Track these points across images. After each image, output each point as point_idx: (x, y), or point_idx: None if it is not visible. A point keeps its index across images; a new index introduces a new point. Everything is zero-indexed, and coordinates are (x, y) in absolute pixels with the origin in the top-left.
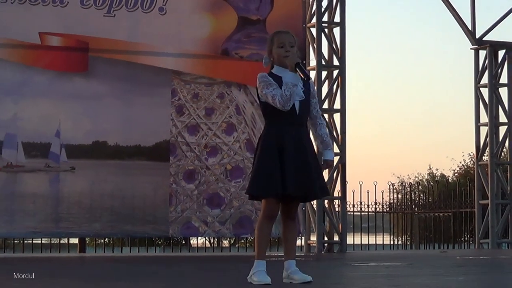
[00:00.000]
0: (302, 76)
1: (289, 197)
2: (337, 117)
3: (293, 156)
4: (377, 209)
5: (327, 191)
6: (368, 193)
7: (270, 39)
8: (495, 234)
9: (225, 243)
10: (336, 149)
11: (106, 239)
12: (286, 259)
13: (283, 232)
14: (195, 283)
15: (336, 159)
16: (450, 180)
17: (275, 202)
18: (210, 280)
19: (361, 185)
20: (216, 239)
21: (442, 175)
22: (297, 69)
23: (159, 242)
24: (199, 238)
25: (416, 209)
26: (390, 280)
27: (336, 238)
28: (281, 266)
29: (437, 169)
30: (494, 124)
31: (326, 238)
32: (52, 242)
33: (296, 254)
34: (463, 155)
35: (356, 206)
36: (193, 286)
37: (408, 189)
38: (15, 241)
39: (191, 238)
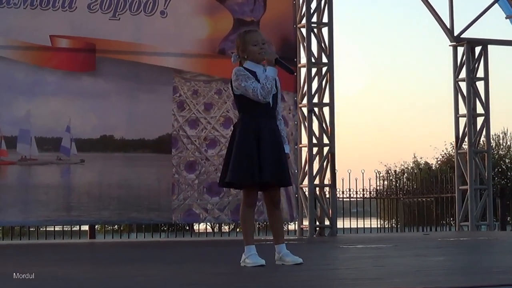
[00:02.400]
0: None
1: (267, 185)
2: (326, 110)
3: (269, 147)
4: (365, 195)
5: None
6: (356, 180)
7: (241, 38)
8: (474, 217)
9: (226, 228)
10: (325, 140)
11: (116, 226)
12: (276, 243)
13: (269, 219)
14: (196, 265)
15: (325, 149)
16: (433, 168)
17: (254, 190)
18: (210, 263)
19: (349, 173)
20: (217, 225)
21: (426, 163)
22: (277, 64)
23: (165, 228)
24: (201, 224)
25: (400, 194)
26: (376, 261)
27: (327, 222)
28: (271, 249)
29: (421, 158)
30: (472, 115)
31: (318, 223)
32: (64, 229)
33: (290, 237)
34: (445, 144)
35: (345, 192)
36: (194, 268)
37: (393, 176)
38: (31, 229)
39: (194, 224)
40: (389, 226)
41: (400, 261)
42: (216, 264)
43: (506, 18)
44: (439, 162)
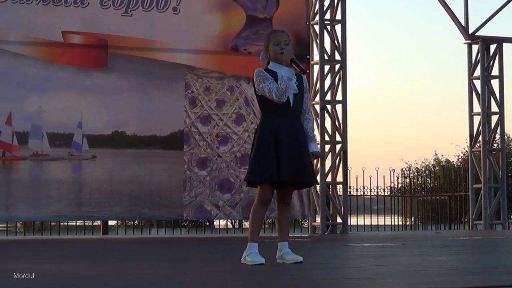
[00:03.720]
0: (298, 70)
1: (283, 184)
2: (339, 108)
3: (287, 146)
4: (379, 193)
5: (316, 180)
6: (370, 178)
7: (267, 37)
8: (487, 216)
9: (246, 224)
10: (338, 138)
11: (136, 222)
12: (279, 240)
13: (278, 216)
14: (196, 263)
15: (338, 146)
16: (455, 165)
17: (270, 189)
18: (211, 260)
19: (363, 171)
20: (238, 221)
21: (447, 161)
22: (293, 64)
23: (185, 224)
24: (222, 220)
25: (414, 192)
26: (378, 260)
27: (339, 220)
28: (273, 248)
29: (442, 155)
30: (486, 113)
31: (330, 221)
32: (78, 224)
33: (302, 235)
34: (466, 142)
35: (359, 190)
36: (193, 266)
37: (407, 174)
38: (52, 224)
39: (215, 220)
40: (403, 223)
41: (402, 260)
42: (217, 262)
43: None
44: (460, 159)
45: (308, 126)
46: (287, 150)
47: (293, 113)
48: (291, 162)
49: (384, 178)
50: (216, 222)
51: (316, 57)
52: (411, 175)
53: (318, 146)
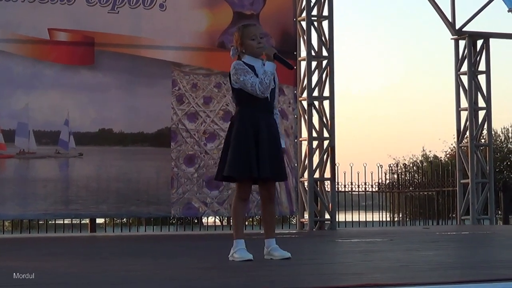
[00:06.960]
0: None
1: (263, 179)
2: (326, 104)
3: (267, 141)
4: (367, 189)
5: (286, 175)
6: (358, 174)
7: (240, 32)
8: (475, 211)
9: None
10: (325, 134)
11: (124, 220)
12: (266, 237)
13: (262, 213)
14: (184, 259)
15: (325, 143)
16: (443, 161)
17: (249, 185)
18: (199, 257)
19: (351, 166)
20: (226, 218)
21: (435, 156)
22: (276, 60)
23: (173, 221)
24: (210, 217)
25: (402, 188)
26: (365, 255)
27: (327, 216)
28: (261, 244)
29: (430, 151)
30: (473, 109)
31: (318, 217)
32: (66, 222)
33: (290, 231)
34: (454, 137)
35: (347, 186)
36: (181, 263)
37: (396, 170)
38: (40, 222)
39: (203, 217)
40: (391, 219)
41: (389, 255)
42: (204, 258)
43: (508, 11)
44: (447, 155)
45: (277, 121)
46: (268, 145)
47: (270, 108)
48: (271, 157)
49: (372, 174)
50: (204, 219)
51: (303, 53)
52: (399, 171)
53: (284, 141)
